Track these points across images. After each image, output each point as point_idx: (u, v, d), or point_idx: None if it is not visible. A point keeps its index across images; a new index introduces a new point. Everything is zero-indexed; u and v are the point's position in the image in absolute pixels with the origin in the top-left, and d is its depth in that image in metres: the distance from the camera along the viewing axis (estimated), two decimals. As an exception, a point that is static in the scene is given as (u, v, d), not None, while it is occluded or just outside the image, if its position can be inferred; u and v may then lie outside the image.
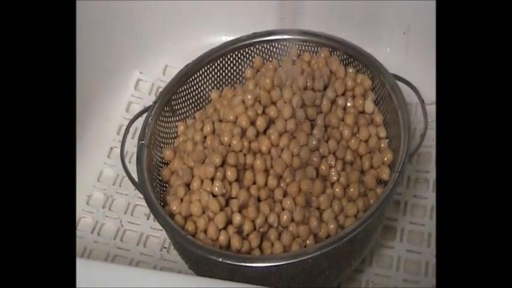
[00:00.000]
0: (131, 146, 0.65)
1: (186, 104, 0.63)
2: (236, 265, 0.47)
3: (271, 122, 0.56)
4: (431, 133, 0.68)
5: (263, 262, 0.47)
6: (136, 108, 0.74)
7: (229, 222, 0.52)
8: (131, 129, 0.61)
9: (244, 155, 0.54)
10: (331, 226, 0.52)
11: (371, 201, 0.55)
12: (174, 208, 0.53)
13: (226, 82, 0.65)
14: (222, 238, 0.51)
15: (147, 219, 0.66)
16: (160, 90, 0.62)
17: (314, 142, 0.55)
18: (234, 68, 0.65)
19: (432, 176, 0.66)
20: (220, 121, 0.58)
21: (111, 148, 0.71)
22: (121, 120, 0.73)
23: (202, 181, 0.53)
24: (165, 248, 0.64)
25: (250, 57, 0.65)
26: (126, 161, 0.68)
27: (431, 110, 0.68)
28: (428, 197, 0.65)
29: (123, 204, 0.68)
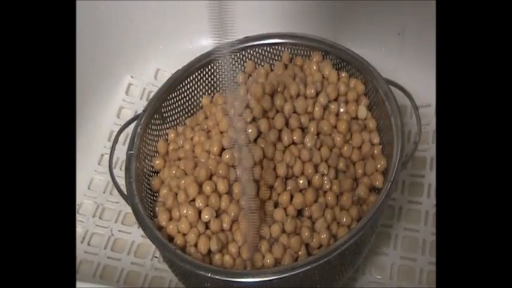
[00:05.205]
0: (122, 153, 0.64)
1: (176, 111, 0.62)
2: (226, 280, 0.47)
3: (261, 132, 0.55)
4: (426, 137, 0.68)
5: (253, 277, 0.46)
6: (128, 113, 0.73)
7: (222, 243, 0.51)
8: (122, 135, 0.60)
9: (234, 166, 0.53)
10: (323, 236, 0.51)
11: (364, 210, 0.54)
12: (163, 221, 0.52)
13: (218, 88, 0.64)
14: (213, 255, 0.50)
15: (138, 227, 0.65)
16: (151, 96, 0.61)
17: (306, 152, 0.54)
18: (226, 73, 0.64)
19: (427, 180, 0.65)
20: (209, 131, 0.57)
21: (102, 155, 0.71)
22: (112, 126, 0.73)
23: (189, 194, 0.52)
24: (156, 257, 0.63)
25: (242, 62, 0.64)
26: (117, 168, 0.68)
27: (426, 112, 0.68)
28: (423, 202, 0.64)
29: (114, 213, 0.67)
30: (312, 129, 0.56)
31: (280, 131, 0.55)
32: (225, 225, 0.51)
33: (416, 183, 0.66)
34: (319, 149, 0.55)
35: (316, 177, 0.54)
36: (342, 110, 0.58)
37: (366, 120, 0.59)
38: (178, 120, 0.62)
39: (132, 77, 0.76)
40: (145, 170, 0.57)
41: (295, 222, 0.52)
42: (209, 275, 0.47)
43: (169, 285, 0.62)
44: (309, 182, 0.54)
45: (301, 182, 0.54)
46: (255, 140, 0.55)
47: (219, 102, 0.61)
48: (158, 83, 0.71)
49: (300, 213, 0.54)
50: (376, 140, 0.57)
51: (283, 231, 0.52)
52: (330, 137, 0.56)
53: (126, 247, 0.65)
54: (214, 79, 0.63)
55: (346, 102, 0.59)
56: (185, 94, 0.62)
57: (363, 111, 0.58)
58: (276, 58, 0.64)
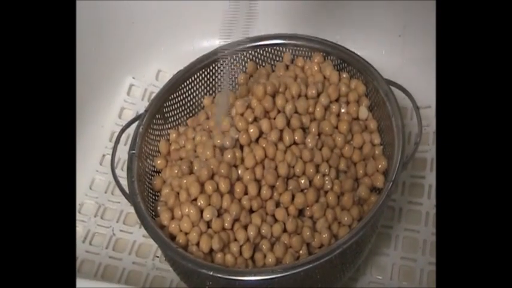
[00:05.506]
0: (124, 153, 0.64)
1: (178, 111, 0.62)
2: (228, 279, 0.47)
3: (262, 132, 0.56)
4: (426, 138, 0.68)
5: (254, 276, 0.47)
6: (129, 114, 0.74)
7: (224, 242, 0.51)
8: (124, 135, 0.60)
9: (236, 166, 0.54)
10: (325, 235, 0.52)
11: (365, 210, 0.54)
12: (165, 220, 0.52)
13: (219, 88, 0.64)
14: (215, 254, 0.50)
15: (140, 227, 0.65)
16: (153, 96, 0.61)
17: (307, 152, 0.54)
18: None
19: (427, 181, 0.66)
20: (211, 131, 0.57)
21: (103, 155, 0.71)
22: (113, 127, 0.73)
23: (191, 194, 0.53)
24: (157, 257, 0.64)
25: (243, 63, 0.64)
26: (119, 168, 0.68)
27: (427, 113, 0.68)
28: (423, 203, 0.64)
29: (115, 213, 0.67)
30: (313, 130, 0.56)
31: (281, 131, 0.55)
32: (227, 224, 0.51)
33: (416, 184, 0.66)
34: (320, 149, 0.55)
35: (318, 177, 0.54)
36: (343, 110, 0.59)
37: (367, 120, 0.59)
38: (179, 121, 0.63)
39: (133, 77, 0.76)
40: (147, 170, 0.58)
41: (297, 221, 0.52)
42: (211, 273, 0.47)
43: (170, 285, 0.62)
44: (310, 182, 0.54)
45: (302, 182, 0.54)
46: (257, 140, 0.55)
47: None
48: (159, 84, 0.71)
49: (301, 213, 0.54)
50: (376, 140, 0.57)
51: (285, 230, 0.52)
52: (331, 138, 0.56)
53: (127, 247, 0.65)
54: (216, 79, 0.64)
55: (347, 102, 0.59)
56: (187, 94, 0.62)
57: (363, 112, 0.59)
58: (277, 59, 0.64)
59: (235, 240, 0.51)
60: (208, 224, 0.52)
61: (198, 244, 0.51)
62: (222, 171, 0.53)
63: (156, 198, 0.57)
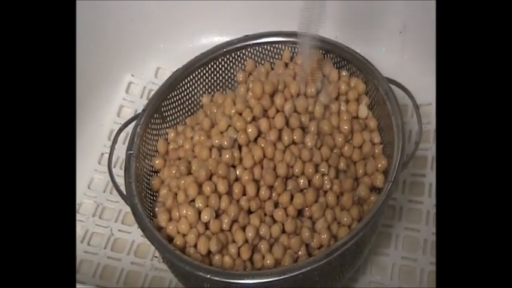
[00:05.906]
0: (123, 152, 0.64)
1: (176, 110, 0.62)
2: (225, 282, 0.46)
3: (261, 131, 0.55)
4: (427, 135, 0.67)
5: (252, 278, 0.46)
6: (128, 112, 0.73)
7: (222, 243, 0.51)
8: (123, 134, 0.60)
9: (234, 166, 0.53)
10: (324, 236, 0.51)
11: (365, 210, 0.54)
12: (162, 222, 0.52)
13: (218, 86, 0.64)
14: (213, 256, 0.50)
15: (138, 227, 0.65)
16: (151, 94, 0.61)
17: (306, 151, 0.54)
18: (226, 71, 0.64)
19: (428, 180, 0.65)
20: (213, 126, 0.57)
21: (102, 154, 0.71)
22: (112, 125, 0.72)
23: (189, 195, 0.52)
24: (156, 257, 0.63)
25: (242, 61, 0.63)
26: (118, 167, 0.68)
27: (428, 110, 0.68)
28: (424, 201, 0.64)
29: (114, 212, 0.67)
30: (312, 129, 0.55)
31: (280, 130, 0.54)
32: (225, 226, 0.51)
33: (417, 183, 0.65)
34: (319, 149, 0.55)
35: (317, 177, 0.53)
36: (342, 109, 0.58)
37: (367, 119, 0.58)
38: (178, 120, 0.62)
39: (132, 75, 0.76)
40: (145, 170, 0.57)
41: (296, 222, 0.52)
42: (208, 276, 0.46)
43: (169, 285, 0.62)
44: (309, 182, 0.54)
45: (301, 182, 0.53)
46: (255, 140, 0.55)
47: (219, 101, 0.61)
48: (159, 82, 0.71)
49: (300, 213, 0.53)
50: (376, 139, 0.57)
51: (284, 231, 0.52)
52: (330, 137, 0.56)
53: (126, 247, 0.65)
54: (215, 78, 0.63)
55: (347, 101, 0.59)
56: (185, 93, 0.62)
57: (363, 111, 0.58)
58: (277, 57, 0.63)
59: (234, 241, 0.51)
60: (206, 226, 0.51)
61: (195, 246, 0.50)
62: (220, 171, 0.52)
63: (154, 198, 0.57)
